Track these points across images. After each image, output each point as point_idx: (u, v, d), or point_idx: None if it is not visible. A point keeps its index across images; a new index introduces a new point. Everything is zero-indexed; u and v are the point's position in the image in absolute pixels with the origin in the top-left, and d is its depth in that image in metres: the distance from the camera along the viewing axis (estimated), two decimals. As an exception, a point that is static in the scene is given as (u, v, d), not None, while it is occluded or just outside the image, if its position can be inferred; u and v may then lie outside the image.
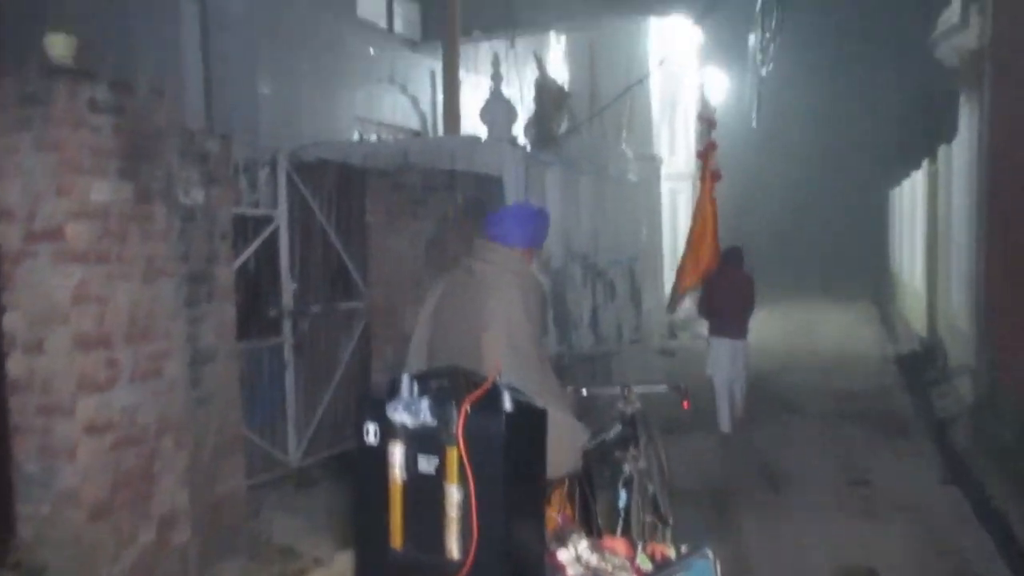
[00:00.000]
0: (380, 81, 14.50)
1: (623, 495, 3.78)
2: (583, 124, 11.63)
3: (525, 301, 3.00)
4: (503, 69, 10.11)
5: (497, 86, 8.95)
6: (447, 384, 2.14)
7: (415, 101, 15.29)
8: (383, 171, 6.96)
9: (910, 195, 16.43)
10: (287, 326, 6.14)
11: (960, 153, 10.34)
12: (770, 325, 15.59)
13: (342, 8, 13.62)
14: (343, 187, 6.78)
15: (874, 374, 11.13)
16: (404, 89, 15.10)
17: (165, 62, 10.40)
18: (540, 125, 10.08)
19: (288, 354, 6.16)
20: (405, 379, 2.12)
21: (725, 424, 7.84)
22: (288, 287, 6.16)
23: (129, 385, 4.23)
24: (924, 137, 23.62)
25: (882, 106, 29.77)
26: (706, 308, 8.13)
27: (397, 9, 15.59)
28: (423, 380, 2.15)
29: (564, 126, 11.34)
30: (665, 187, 18.70)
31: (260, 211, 5.89)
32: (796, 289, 23.33)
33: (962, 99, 9.94)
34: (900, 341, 13.81)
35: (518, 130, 10.23)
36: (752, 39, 11.70)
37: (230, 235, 5.08)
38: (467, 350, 2.87)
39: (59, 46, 4.14)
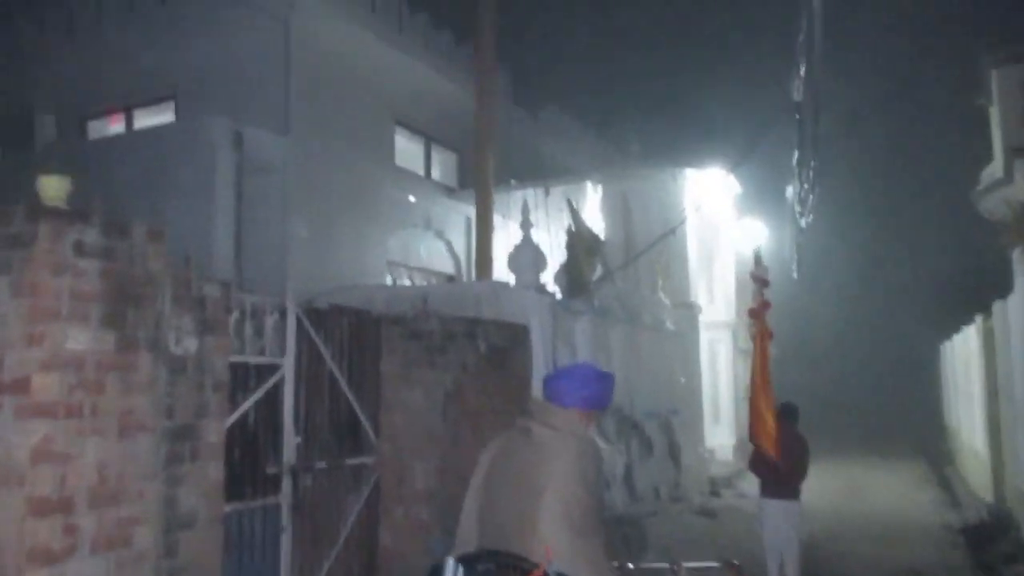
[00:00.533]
0: (415, 226, 14.58)
1: None
2: (616, 272, 11.37)
3: (584, 470, 2.88)
4: (536, 216, 10.03)
5: (526, 232, 8.76)
6: (494, 570, 2.11)
7: (450, 246, 15.30)
8: (399, 318, 6.65)
9: (963, 350, 15.71)
10: (287, 484, 5.66)
11: (1017, 310, 9.79)
12: (816, 485, 14.55)
13: (381, 156, 13.87)
14: (357, 334, 6.46)
15: (936, 546, 10.13)
16: (440, 234, 15.16)
17: (197, 206, 10.51)
18: (571, 273, 9.82)
19: (286, 516, 5.65)
20: (450, 563, 2.08)
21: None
22: (291, 441, 5.73)
23: (89, 556, 3.78)
24: (973, 290, 23.09)
25: (926, 257, 29.41)
26: (757, 466, 7.68)
27: (435, 157, 15.88)
28: (469, 564, 2.11)
29: (597, 274, 11.08)
30: (704, 337, 18.23)
31: (265, 359, 5.56)
32: (842, 445, 22.17)
33: (1016, 255, 9.50)
34: (962, 507, 12.74)
35: (549, 277, 9.99)
36: (790, 190, 11.52)
37: (225, 386, 4.73)
38: (520, 521, 2.78)
39: (51, 188, 3.97)
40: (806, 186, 9.35)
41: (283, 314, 5.75)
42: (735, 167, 13.17)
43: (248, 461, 5.37)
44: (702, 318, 17.96)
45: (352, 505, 6.35)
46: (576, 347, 9.50)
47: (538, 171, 15.62)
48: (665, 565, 3.87)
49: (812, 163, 9.04)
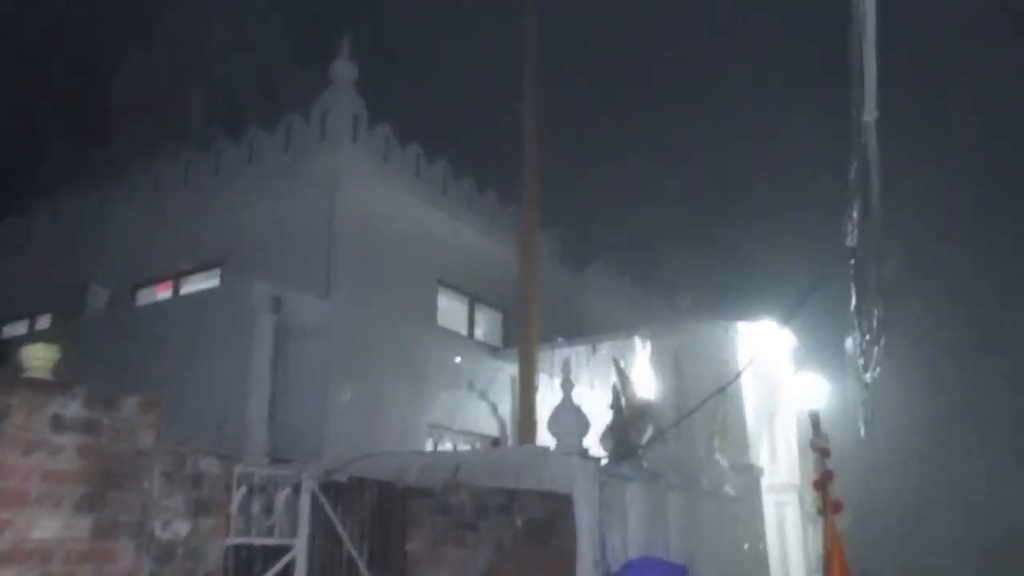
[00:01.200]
0: (459, 387, 14.18)
1: None
2: (668, 433, 10.68)
3: None
4: (582, 374, 9.60)
5: (567, 392, 8.22)
6: None
7: (494, 408, 14.80)
8: (426, 491, 6.12)
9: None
10: None
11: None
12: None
13: (422, 316, 13.73)
14: (380, 510, 5.95)
15: None
16: (483, 395, 14.71)
17: (235, 372, 10.33)
18: (618, 435, 9.18)
19: None
20: None
21: None
22: (300, 635, 5.11)
23: None
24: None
25: (1009, 403, 27.65)
26: None
27: (479, 317, 15.70)
28: None
29: (647, 436, 10.41)
30: (769, 500, 17.02)
31: (274, 540, 5.05)
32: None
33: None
34: None
35: (594, 441, 9.36)
36: (849, 342, 10.96)
37: (220, 574, 4.23)
38: None
39: (36, 357, 3.69)
40: (868, 336, 8.81)
41: (296, 489, 5.30)
42: (788, 319, 12.64)
43: (249, 661, 4.77)
44: (765, 481, 16.85)
45: None
46: (627, 516, 8.72)
47: (586, 329, 15.29)
48: None
49: (875, 311, 8.58)
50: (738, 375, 11.99)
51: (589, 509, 7.55)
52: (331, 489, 5.46)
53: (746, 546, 13.22)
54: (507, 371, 14.78)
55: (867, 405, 10.64)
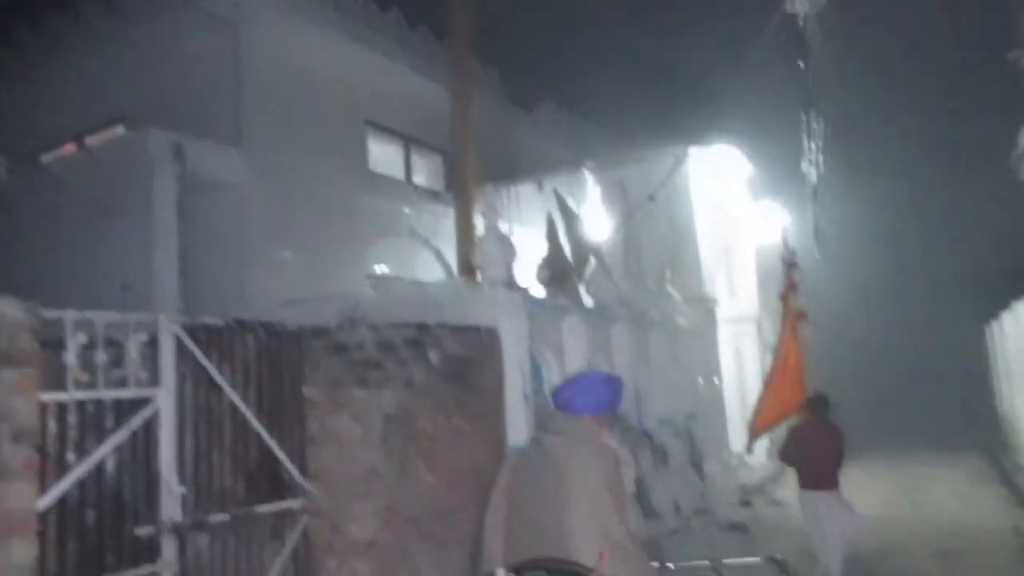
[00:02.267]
0: (399, 235, 13.45)
1: None
2: (615, 266, 10.14)
3: (603, 475, 2.97)
4: (534, 215, 8.86)
5: (490, 221, 7.52)
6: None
7: (439, 254, 14.12)
8: (320, 330, 5.48)
9: (1014, 331, 14.15)
10: (168, 547, 4.49)
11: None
12: (864, 489, 13.11)
13: (350, 162, 12.77)
14: (270, 355, 5.30)
15: (1008, 560, 8.66)
16: (427, 242, 13.99)
17: (139, 227, 9.49)
18: (554, 266, 8.58)
19: (170, 587, 4.48)
20: (500, 574, 2.00)
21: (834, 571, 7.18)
22: (173, 492, 4.55)
23: None
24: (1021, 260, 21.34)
25: (960, 231, 27.59)
26: (792, 459, 7.72)
27: (418, 161, 14.77)
28: (519, 574, 2.00)
29: (590, 268, 9.87)
30: (727, 332, 16.85)
31: (130, 393, 4.40)
32: (887, 443, 20.52)
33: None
34: (1030, 505, 11.22)
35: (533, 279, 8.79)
36: (805, 163, 10.36)
37: (33, 436, 3.59)
38: (550, 532, 2.81)
39: None
40: (815, 144, 8.26)
41: (156, 339, 4.60)
42: (741, 139, 11.90)
43: (108, 524, 4.22)
44: (723, 313, 16.60)
45: (271, 561, 5.17)
46: (565, 351, 8.26)
47: (539, 171, 14.47)
48: (706, 563, 3.84)
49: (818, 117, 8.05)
50: (669, 176, 11.24)
51: (517, 343, 7.02)
52: (202, 333, 4.78)
53: (700, 380, 13.02)
54: (451, 216, 14.00)
55: (820, 220, 10.16)
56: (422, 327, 6.01)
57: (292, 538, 5.34)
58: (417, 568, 5.62)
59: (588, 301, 9.61)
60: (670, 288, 12.29)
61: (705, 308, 13.65)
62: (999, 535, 9.75)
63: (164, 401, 4.55)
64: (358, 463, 5.36)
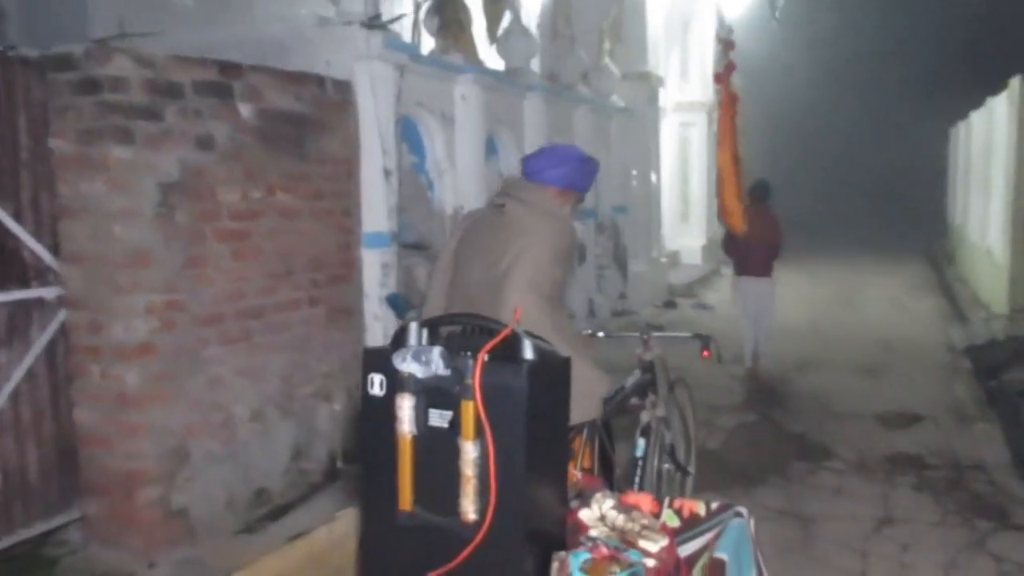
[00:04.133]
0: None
1: (640, 444, 3.55)
2: (531, 23, 8.39)
3: (555, 245, 2.88)
4: None
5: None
6: (461, 332, 1.84)
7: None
8: (64, 58, 3.85)
9: (983, 127, 12.86)
10: None
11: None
12: (798, 293, 12.32)
13: None
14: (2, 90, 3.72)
15: (938, 378, 7.86)
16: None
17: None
18: (446, 12, 6.81)
19: None
20: (413, 326, 1.79)
21: (748, 360, 7.70)
22: None
23: None
24: (992, 59, 19.75)
25: (931, 23, 25.58)
26: (729, 246, 7.77)
27: None
28: (434, 328, 1.81)
29: (505, 22, 8.13)
30: (673, 120, 15.35)
31: None
32: (831, 244, 19.85)
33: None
34: (968, 321, 10.45)
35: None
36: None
37: None
38: (488, 290, 2.81)
39: None
40: None
41: None
42: None
43: None
44: (670, 98, 15.01)
45: (17, 361, 3.90)
46: (455, 120, 6.73)
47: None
48: (636, 333, 3.86)
49: None
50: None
51: (382, 104, 5.46)
52: None
53: (634, 171, 11.65)
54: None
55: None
56: (228, 67, 4.40)
57: (43, 337, 4.04)
58: (219, 378, 4.40)
59: (499, 63, 7.96)
60: (607, 60, 10.57)
61: (648, 88, 12.00)
62: (932, 352, 8.97)
63: None
64: (121, 244, 3.95)
